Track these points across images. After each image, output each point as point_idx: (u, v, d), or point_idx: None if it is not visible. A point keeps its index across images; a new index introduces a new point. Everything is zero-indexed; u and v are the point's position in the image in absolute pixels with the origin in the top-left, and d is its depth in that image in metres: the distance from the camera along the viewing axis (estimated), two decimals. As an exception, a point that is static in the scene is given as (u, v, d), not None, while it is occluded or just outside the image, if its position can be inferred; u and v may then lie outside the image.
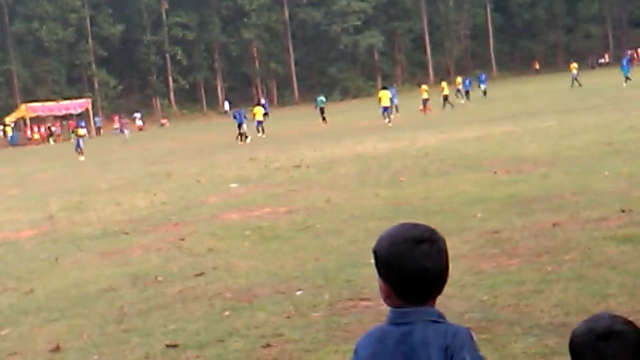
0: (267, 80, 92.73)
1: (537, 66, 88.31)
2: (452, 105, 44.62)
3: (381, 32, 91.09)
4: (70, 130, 46.33)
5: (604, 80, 46.10)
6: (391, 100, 41.30)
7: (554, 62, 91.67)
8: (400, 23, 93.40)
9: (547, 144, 18.92)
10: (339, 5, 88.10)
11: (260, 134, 39.54)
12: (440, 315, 2.20)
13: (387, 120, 38.21)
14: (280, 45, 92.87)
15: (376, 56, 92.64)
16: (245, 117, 38.47)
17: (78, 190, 21.80)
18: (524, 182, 13.06)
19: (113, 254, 11.19)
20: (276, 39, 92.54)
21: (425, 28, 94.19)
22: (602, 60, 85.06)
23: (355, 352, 2.25)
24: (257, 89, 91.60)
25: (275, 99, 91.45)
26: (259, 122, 40.38)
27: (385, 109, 39.09)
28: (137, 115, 74.36)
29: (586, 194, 11.02)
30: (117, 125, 70.42)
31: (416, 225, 2.25)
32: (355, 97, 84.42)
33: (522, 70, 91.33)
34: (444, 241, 2.22)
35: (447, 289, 6.83)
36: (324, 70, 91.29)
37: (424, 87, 44.95)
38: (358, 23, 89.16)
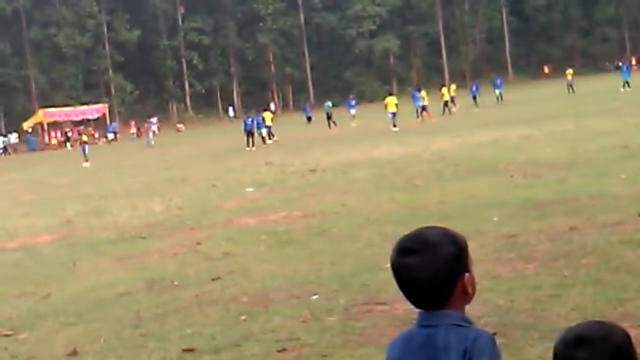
0: (282, 84, 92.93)
1: (547, 70, 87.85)
2: (450, 112, 44.29)
3: (396, 36, 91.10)
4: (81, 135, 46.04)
5: (619, 84, 45.88)
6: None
7: (570, 66, 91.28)
8: (416, 27, 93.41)
9: (563, 147, 18.84)
10: (354, 10, 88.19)
11: (270, 140, 39.36)
12: (465, 319, 2.19)
13: (394, 126, 38.17)
14: (295, 49, 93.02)
15: (391, 60, 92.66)
16: (261, 121, 38.47)
17: (95, 195, 21.91)
18: (541, 186, 13.01)
19: (130, 258, 11.24)
20: (292, 43, 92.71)
21: (441, 32, 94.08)
22: (621, 63, 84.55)
23: (387, 352, 2.28)
24: (272, 94, 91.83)
25: (291, 103, 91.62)
26: (268, 127, 40.03)
27: (393, 114, 39.16)
28: (153, 120, 74.76)
29: (603, 197, 10.96)
30: (133, 130, 70.76)
31: (416, 234, 2.24)
32: (371, 101, 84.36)
33: (538, 73, 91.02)
34: (456, 245, 2.21)
35: (463, 294, 6.74)
36: (339, 74, 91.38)
37: (423, 93, 43.69)
38: (373, 27, 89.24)
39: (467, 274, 2.18)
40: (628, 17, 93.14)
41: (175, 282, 9.10)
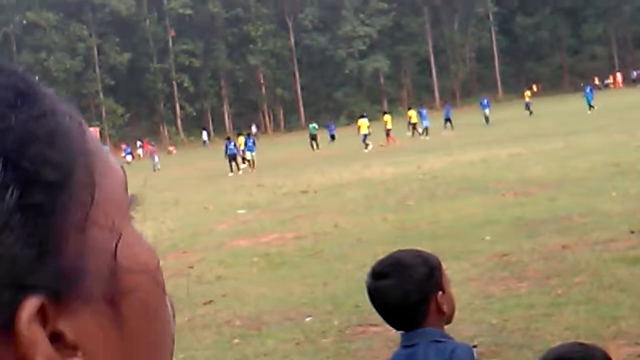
0: (273, 105, 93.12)
1: (535, 89, 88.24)
2: (420, 134, 44.15)
3: (386, 56, 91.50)
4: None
5: (607, 102, 46.13)
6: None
7: (559, 84, 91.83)
8: (406, 47, 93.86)
9: (553, 165, 18.90)
10: (344, 30, 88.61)
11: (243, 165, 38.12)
12: (443, 335, 2.27)
13: (365, 148, 38.33)
14: (286, 70, 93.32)
15: (382, 80, 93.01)
16: (251, 145, 37.90)
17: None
18: (532, 204, 13.04)
19: (122, 282, 11.18)
20: (282, 64, 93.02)
21: (431, 51, 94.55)
22: (608, 82, 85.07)
23: None
24: (263, 115, 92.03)
25: (282, 124, 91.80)
26: (240, 152, 39.10)
27: (365, 136, 39.55)
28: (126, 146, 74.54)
29: (594, 215, 10.99)
30: (124, 154, 70.71)
31: (389, 257, 2.32)
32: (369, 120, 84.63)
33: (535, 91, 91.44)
34: (427, 266, 2.28)
35: (456, 313, 6.78)
36: (330, 95, 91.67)
37: (387, 117, 43.26)
38: (363, 47, 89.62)
39: (440, 293, 2.25)
40: (616, 34, 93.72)
41: (168, 306, 9.05)
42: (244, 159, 37.67)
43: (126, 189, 0.59)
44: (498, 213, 12.59)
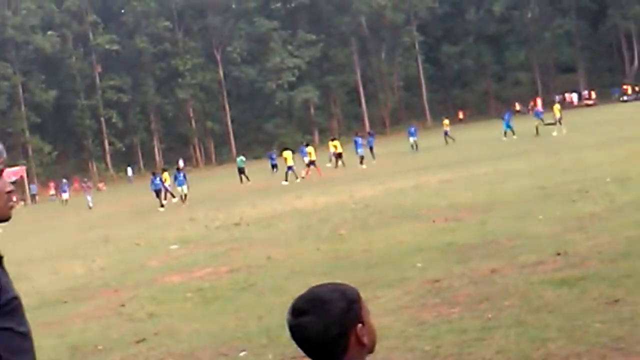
0: (204, 139, 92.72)
1: (461, 116, 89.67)
2: (344, 164, 44.50)
3: (316, 87, 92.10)
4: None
5: (531, 126, 47.09)
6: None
7: (485, 110, 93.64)
8: (334, 77, 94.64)
9: (482, 190, 19.20)
10: (273, 62, 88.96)
11: (166, 200, 37.52)
12: None
13: (285, 180, 39.16)
14: (216, 103, 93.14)
15: (312, 110, 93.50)
16: (182, 179, 37.42)
17: (13, 260, 21.28)
18: (462, 230, 13.22)
19: (52, 324, 10.94)
20: (212, 97, 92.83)
21: (359, 81, 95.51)
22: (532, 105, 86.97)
23: None
24: (194, 148, 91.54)
25: (213, 157, 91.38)
26: (165, 187, 38.51)
27: (290, 168, 40.15)
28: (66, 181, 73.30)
29: (522, 238, 11.20)
30: (52, 192, 69.42)
31: (307, 293, 2.39)
32: (293, 152, 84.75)
33: (455, 119, 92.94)
34: (346, 299, 2.33)
35: (390, 341, 6.84)
36: (260, 126, 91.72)
37: (310, 148, 43.36)
38: (293, 79, 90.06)
39: (360, 325, 2.29)
40: (538, 61, 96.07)
41: (100, 347, 8.89)
42: (167, 193, 37.37)
43: None
44: (429, 239, 12.73)
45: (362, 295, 7.55)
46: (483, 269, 9.49)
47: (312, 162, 41.96)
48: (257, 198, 30.29)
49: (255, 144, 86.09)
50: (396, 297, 8.78)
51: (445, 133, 51.72)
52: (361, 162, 42.84)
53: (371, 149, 46.84)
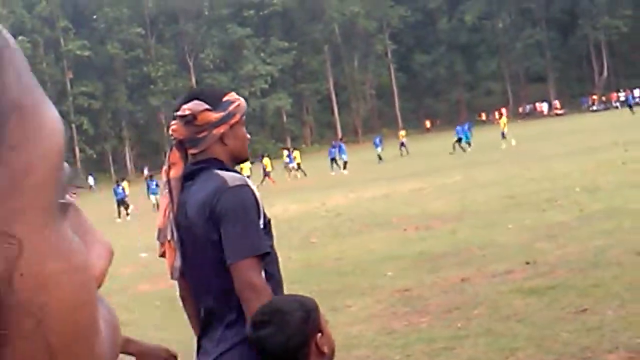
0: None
1: (429, 125, 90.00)
2: (273, 181, 44.63)
3: (288, 94, 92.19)
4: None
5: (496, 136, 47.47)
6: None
7: (457, 119, 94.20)
8: (307, 85, 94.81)
9: (453, 199, 19.30)
10: (246, 70, 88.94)
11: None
12: None
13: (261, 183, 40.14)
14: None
15: (285, 118, 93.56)
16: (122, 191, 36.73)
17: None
18: (433, 238, 13.27)
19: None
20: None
21: (332, 89, 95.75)
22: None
23: None
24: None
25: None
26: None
27: (267, 174, 41.59)
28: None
29: (492, 247, 11.26)
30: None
31: (267, 306, 2.44)
32: (271, 158, 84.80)
33: (428, 127, 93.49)
34: (304, 310, 2.37)
35: (361, 351, 6.85)
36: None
37: (266, 160, 44.23)
38: (265, 86, 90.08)
39: (319, 335, 2.33)
40: (509, 70, 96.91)
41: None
42: (122, 204, 36.72)
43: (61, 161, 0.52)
44: (400, 248, 12.77)
45: (333, 304, 7.66)
46: (453, 278, 9.54)
47: (267, 173, 43.36)
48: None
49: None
50: (367, 305, 8.80)
51: (402, 144, 51.59)
52: (344, 167, 43.04)
53: (333, 160, 46.24)
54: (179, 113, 3.09)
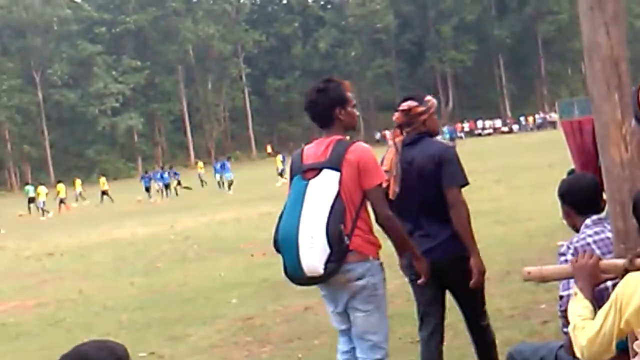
0: (20, 163, 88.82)
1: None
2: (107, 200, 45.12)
3: (140, 114, 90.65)
4: None
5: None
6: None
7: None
8: (160, 105, 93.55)
9: (302, 225, 19.38)
10: (96, 87, 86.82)
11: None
12: None
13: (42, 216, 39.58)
14: (34, 127, 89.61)
15: (136, 138, 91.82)
16: None
17: None
18: (279, 265, 13.06)
19: None
20: (29, 120, 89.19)
21: (185, 110, 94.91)
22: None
23: None
24: (9, 173, 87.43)
25: (30, 182, 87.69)
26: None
27: (43, 203, 40.93)
28: None
29: (336, 275, 11.35)
30: None
31: (74, 352, 2.40)
32: (115, 179, 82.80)
33: (280, 151, 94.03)
34: (115, 357, 2.33)
35: (197, 384, 6.58)
36: (81, 152, 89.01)
37: (60, 186, 43.68)
38: (116, 105, 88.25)
39: None
40: (360, 98, 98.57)
41: None
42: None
43: None
44: (246, 275, 12.69)
45: (174, 333, 7.45)
46: (296, 306, 9.54)
47: (62, 200, 42.83)
48: (75, 226, 29.29)
49: (75, 170, 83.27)
50: (208, 335, 8.66)
51: (200, 176, 51.21)
52: (226, 186, 42.21)
53: (167, 186, 45.65)
54: (400, 109, 5.17)
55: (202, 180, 50.50)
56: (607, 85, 2.68)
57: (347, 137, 4.79)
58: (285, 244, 4.59)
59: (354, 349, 4.77)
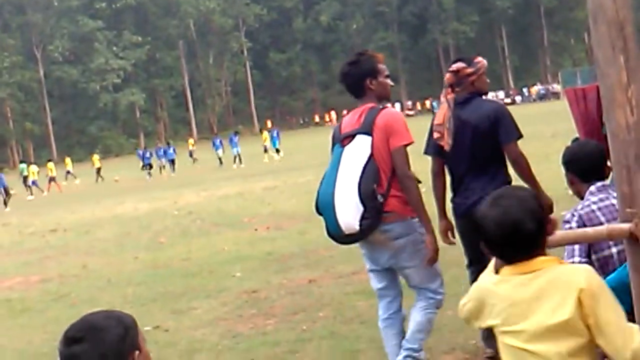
0: (22, 140, 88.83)
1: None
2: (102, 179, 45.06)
3: (142, 90, 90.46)
4: None
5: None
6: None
7: (312, 118, 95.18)
8: (161, 80, 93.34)
9: (305, 198, 19.34)
10: (97, 63, 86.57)
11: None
12: None
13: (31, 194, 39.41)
14: (35, 104, 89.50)
15: (138, 114, 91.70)
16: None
17: None
18: (283, 239, 13.27)
19: None
20: (31, 97, 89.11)
21: (187, 85, 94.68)
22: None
23: None
24: (11, 150, 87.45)
25: (32, 159, 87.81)
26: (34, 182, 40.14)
27: (34, 182, 40.62)
28: None
29: (339, 248, 11.21)
30: None
31: (81, 321, 2.37)
32: (117, 155, 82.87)
33: (283, 125, 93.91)
34: (122, 326, 2.33)
35: (202, 355, 6.68)
36: (83, 128, 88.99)
37: (50, 164, 43.51)
38: (118, 81, 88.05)
39: (137, 352, 2.30)
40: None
41: None
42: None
43: None
44: (250, 248, 12.69)
45: (178, 306, 7.44)
46: (301, 279, 9.54)
47: (52, 179, 42.58)
48: (78, 203, 29.31)
49: (78, 147, 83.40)
50: (213, 308, 8.66)
51: (190, 153, 50.56)
52: (235, 161, 41.75)
53: (172, 161, 45.00)
54: (452, 69, 5.48)
55: (193, 158, 49.91)
56: (613, 48, 2.63)
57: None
58: (324, 205, 5.00)
59: (393, 314, 5.23)
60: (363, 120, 4.95)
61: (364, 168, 4.81)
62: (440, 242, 5.30)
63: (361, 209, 4.78)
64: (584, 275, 2.58)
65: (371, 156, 4.84)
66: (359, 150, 4.89)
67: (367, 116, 4.95)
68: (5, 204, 34.04)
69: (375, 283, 5.25)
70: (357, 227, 4.82)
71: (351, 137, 4.97)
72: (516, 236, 2.59)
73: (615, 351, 2.53)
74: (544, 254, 2.67)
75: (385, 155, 4.86)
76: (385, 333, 5.29)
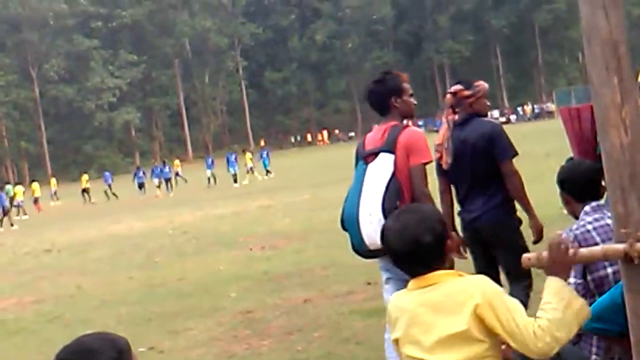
0: (17, 160, 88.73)
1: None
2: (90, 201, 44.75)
3: (137, 109, 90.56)
4: None
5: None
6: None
7: (304, 137, 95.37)
8: (157, 99, 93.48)
9: (300, 218, 19.37)
10: (93, 82, 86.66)
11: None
12: None
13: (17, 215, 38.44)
14: (31, 123, 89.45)
15: (133, 132, 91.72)
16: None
17: None
18: (278, 258, 13.23)
19: None
20: (26, 116, 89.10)
21: (182, 104, 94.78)
22: (352, 134, 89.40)
23: None
24: (6, 170, 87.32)
25: (27, 179, 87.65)
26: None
27: (18, 204, 39.58)
28: None
29: (335, 267, 11.32)
30: None
31: (75, 343, 2.36)
32: (113, 174, 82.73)
33: (278, 144, 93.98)
34: (116, 349, 2.30)
35: (195, 378, 6.49)
36: (79, 147, 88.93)
37: (34, 185, 43.54)
38: (113, 99, 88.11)
39: None
40: (358, 89, 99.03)
41: None
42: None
43: None
44: (245, 268, 12.65)
45: (174, 326, 7.39)
46: (296, 299, 9.50)
47: (36, 199, 42.46)
48: (72, 222, 29.25)
49: (73, 166, 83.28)
50: (208, 328, 8.62)
51: (177, 174, 49.54)
52: (237, 180, 41.51)
53: (168, 180, 44.48)
54: (450, 91, 5.79)
55: (180, 178, 49.06)
56: (607, 68, 2.63)
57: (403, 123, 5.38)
58: (349, 221, 5.16)
59: None
60: (386, 138, 5.16)
61: (387, 185, 4.99)
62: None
63: None
64: (479, 288, 2.70)
65: (394, 174, 5.03)
66: (382, 167, 5.07)
67: (390, 134, 5.17)
68: (1, 223, 33.90)
69: (392, 291, 5.17)
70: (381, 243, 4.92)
71: (374, 154, 5.16)
72: (415, 250, 2.73)
73: (527, 348, 2.65)
74: (444, 268, 2.78)
75: (407, 173, 5.06)
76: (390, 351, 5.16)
